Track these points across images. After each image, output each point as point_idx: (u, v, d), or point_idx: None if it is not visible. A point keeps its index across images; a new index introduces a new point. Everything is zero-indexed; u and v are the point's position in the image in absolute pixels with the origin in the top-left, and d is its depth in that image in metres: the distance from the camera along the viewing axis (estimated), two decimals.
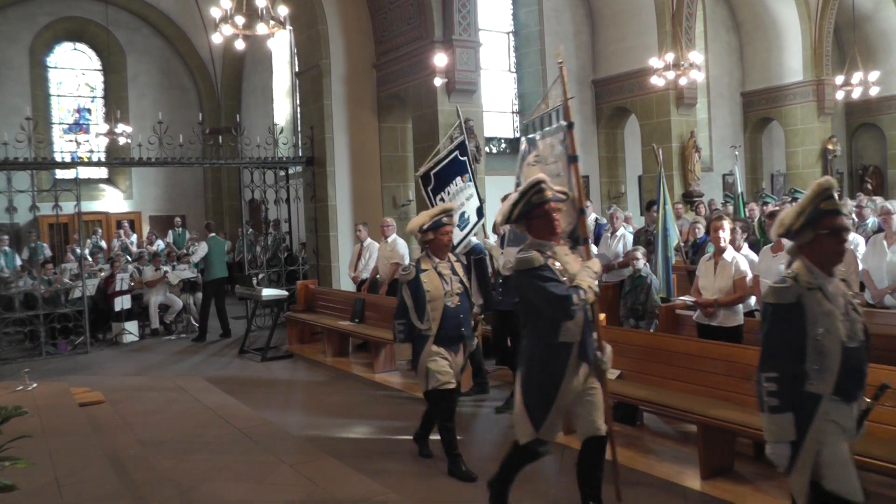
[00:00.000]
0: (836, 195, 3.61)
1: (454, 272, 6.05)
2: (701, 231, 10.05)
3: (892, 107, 23.02)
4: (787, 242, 7.22)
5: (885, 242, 7.99)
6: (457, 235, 7.93)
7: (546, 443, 4.66)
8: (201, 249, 13.72)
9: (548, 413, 4.51)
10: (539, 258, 4.42)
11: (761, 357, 3.58)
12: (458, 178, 8.24)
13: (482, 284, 8.07)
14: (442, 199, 8.11)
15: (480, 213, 8.25)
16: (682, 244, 9.77)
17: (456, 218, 7.82)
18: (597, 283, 4.64)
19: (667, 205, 9.16)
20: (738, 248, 7.41)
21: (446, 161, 8.26)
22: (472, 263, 8.00)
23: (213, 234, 13.73)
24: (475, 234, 8.35)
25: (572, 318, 4.41)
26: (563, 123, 5.10)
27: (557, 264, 4.49)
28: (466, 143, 8.38)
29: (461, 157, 8.31)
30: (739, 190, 15.20)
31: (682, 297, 8.07)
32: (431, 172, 8.19)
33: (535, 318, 4.56)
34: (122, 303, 13.24)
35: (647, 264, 8.88)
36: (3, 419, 3.42)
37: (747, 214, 13.96)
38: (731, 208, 15.54)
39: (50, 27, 21.39)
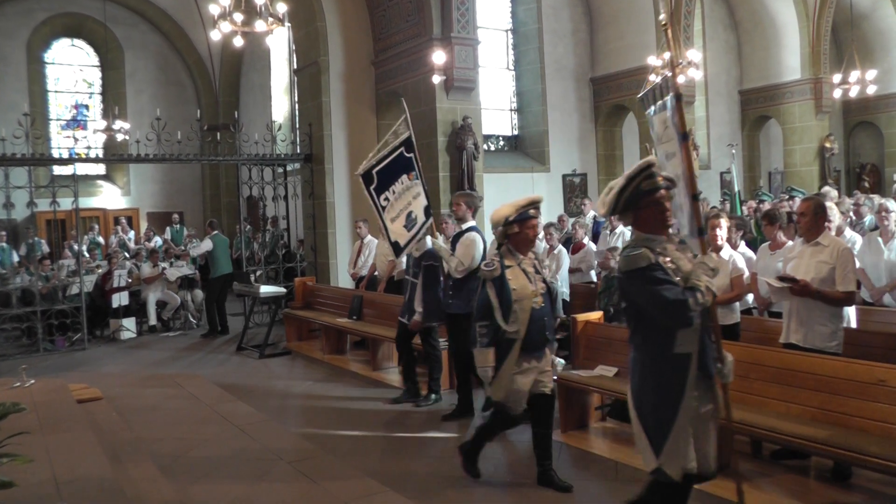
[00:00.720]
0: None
1: (537, 270, 5.55)
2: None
3: (889, 105, 23.03)
4: (783, 239, 7.25)
5: (880, 240, 8.00)
6: (404, 236, 7.75)
7: (692, 476, 3.92)
8: (204, 244, 13.70)
9: (667, 437, 3.81)
10: (649, 256, 3.82)
11: None
12: (405, 176, 7.79)
13: (427, 293, 7.88)
14: (387, 199, 7.72)
15: (428, 212, 7.81)
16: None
17: (403, 218, 7.73)
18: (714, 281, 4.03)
19: None
20: (734, 246, 7.42)
21: (391, 158, 7.77)
22: (422, 269, 7.90)
23: (216, 232, 13.71)
24: (426, 236, 7.93)
25: (690, 325, 3.78)
26: (670, 96, 4.44)
27: (669, 262, 3.87)
28: (412, 139, 7.85)
29: (407, 154, 7.83)
30: (736, 188, 15.19)
31: None
32: (374, 171, 7.71)
33: (644, 326, 3.92)
34: (120, 299, 13.24)
35: None
36: (1, 415, 3.42)
37: (746, 213, 13.96)
38: (728, 206, 15.52)
39: (47, 23, 21.35)
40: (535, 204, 5.54)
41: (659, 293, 3.75)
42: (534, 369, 5.40)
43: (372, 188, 7.68)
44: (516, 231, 5.47)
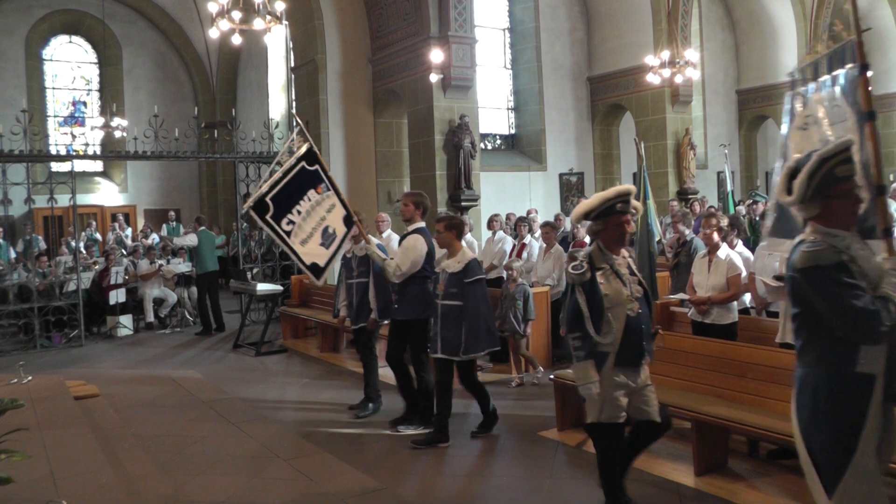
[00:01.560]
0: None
1: (632, 272, 4.86)
2: (688, 232, 9.79)
3: (886, 105, 23.09)
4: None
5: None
6: (323, 255, 7.15)
7: None
8: (189, 238, 13.67)
9: (843, 473, 3.17)
10: (835, 254, 3.20)
11: None
12: (312, 192, 7.06)
13: (380, 289, 7.53)
14: (291, 223, 6.97)
15: (349, 222, 7.24)
16: (663, 241, 9.56)
17: (318, 236, 7.12)
18: None
19: (648, 200, 8.92)
20: (732, 246, 7.44)
21: (288, 178, 7.01)
22: (372, 266, 7.52)
23: (202, 228, 13.69)
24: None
25: (877, 342, 3.15)
26: (851, 68, 3.84)
27: (854, 264, 3.23)
28: (314, 149, 7.17)
29: (310, 167, 7.09)
30: (729, 188, 15.15)
31: (675, 295, 8.08)
32: (267, 198, 6.90)
33: (820, 336, 3.28)
34: (117, 296, 13.22)
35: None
36: (0, 412, 3.43)
37: (743, 212, 13.96)
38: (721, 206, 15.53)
39: (46, 20, 21.36)
40: (623, 197, 4.79)
41: (844, 299, 3.13)
42: (629, 387, 4.71)
43: (268, 217, 6.92)
44: (601, 228, 4.80)
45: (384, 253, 7.32)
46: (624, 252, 4.88)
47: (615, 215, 4.75)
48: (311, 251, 7.09)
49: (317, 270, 7.14)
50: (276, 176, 7.06)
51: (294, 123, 7.11)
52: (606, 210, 4.75)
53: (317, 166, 7.11)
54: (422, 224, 7.17)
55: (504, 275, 8.99)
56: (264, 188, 6.96)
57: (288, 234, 6.98)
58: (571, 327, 4.72)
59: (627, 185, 4.92)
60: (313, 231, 7.09)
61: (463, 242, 7.13)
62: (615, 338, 4.64)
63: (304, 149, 7.15)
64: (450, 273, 6.60)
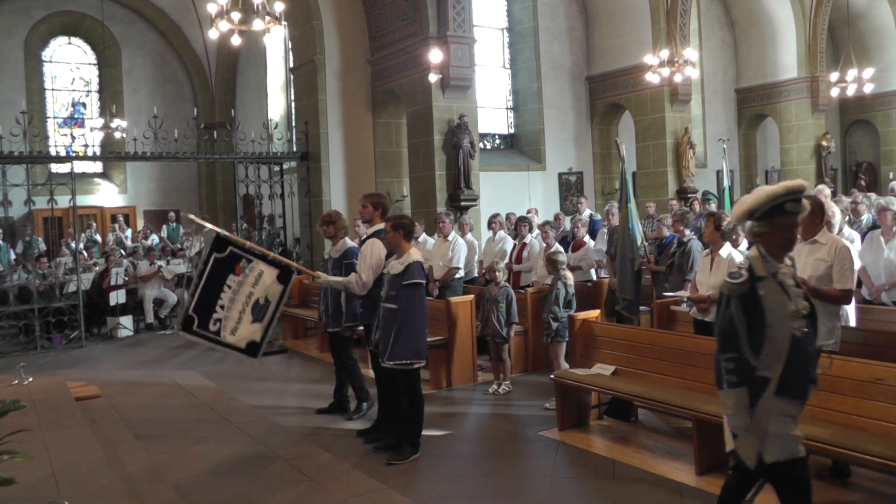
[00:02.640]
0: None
1: (797, 283, 4.00)
2: (666, 230, 9.67)
3: (885, 103, 23.09)
4: None
5: (882, 239, 8.01)
6: (258, 329, 6.69)
7: None
8: (196, 244, 13.72)
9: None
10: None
11: None
12: (230, 277, 6.60)
13: (350, 295, 7.26)
14: (217, 321, 6.56)
15: (287, 276, 6.76)
16: (645, 243, 9.28)
17: (248, 314, 6.65)
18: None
19: (630, 202, 8.43)
20: (735, 245, 7.42)
21: (204, 279, 6.58)
22: (343, 269, 7.39)
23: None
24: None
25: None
26: None
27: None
28: (221, 235, 6.70)
29: (221, 255, 6.60)
30: (726, 183, 14.97)
31: (677, 293, 8.06)
32: (190, 312, 6.54)
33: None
34: (117, 297, 13.22)
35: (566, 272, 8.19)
36: (2, 413, 3.43)
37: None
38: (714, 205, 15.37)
39: (45, 21, 21.36)
40: (794, 194, 3.94)
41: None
42: (794, 418, 3.89)
43: (195, 328, 6.54)
44: (765, 230, 3.94)
45: (342, 274, 7.23)
46: (787, 260, 4.05)
47: (784, 216, 3.93)
48: (244, 334, 6.69)
49: (254, 348, 6.75)
50: (192, 289, 6.72)
51: (196, 226, 6.54)
52: (773, 209, 3.93)
53: (229, 248, 6.66)
54: (381, 226, 6.94)
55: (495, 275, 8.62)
56: (186, 303, 6.66)
57: (217, 332, 6.61)
58: (723, 347, 3.91)
59: (800, 181, 4.08)
60: (241, 314, 6.67)
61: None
62: (778, 361, 3.85)
63: (209, 243, 6.79)
64: (393, 274, 6.35)
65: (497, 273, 8.45)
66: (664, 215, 11.00)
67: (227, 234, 6.75)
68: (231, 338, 6.62)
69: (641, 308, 8.50)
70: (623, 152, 8.77)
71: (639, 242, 8.41)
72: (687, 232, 8.93)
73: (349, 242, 7.68)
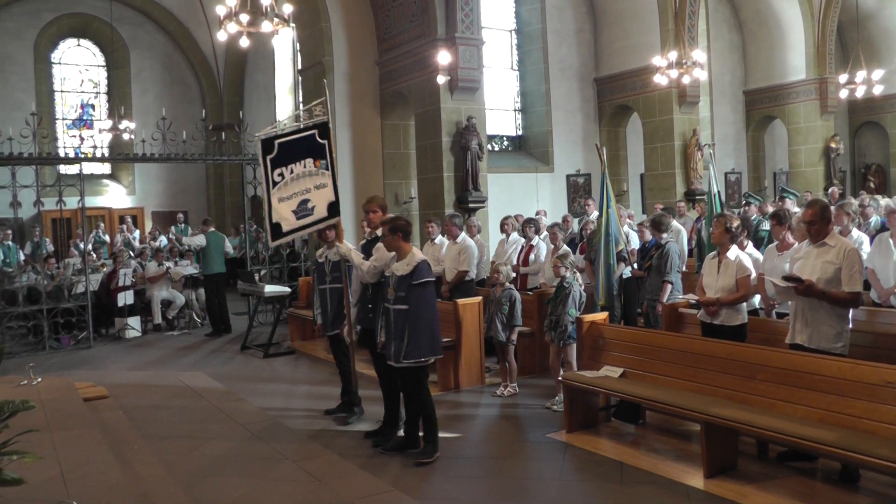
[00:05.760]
0: None
1: None
2: (648, 234, 9.55)
3: (895, 105, 23.01)
4: (791, 240, 7.23)
5: (891, 241, 7.98)
6: (290, 222, 7.01)
7: None
8: (198, 238, 13.73)
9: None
10: None
11: None
12: (310, 160, 7.00)
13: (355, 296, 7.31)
14: (281, 175, 6.93)
15: (334, 210, 7.14)
16: (627, 250, 9.16)
17: (294, 203, 7.01)
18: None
19: (610, 208, 8.42)
20: (741, 247, 7.41)
21: (299, 136, 7.03)
22: (345, 271, 7.35)
23: (212, 230, 13.73)
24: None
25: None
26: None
27: None
28: (330, 126, 7.16)
29: (320, 140, 7.04)
30: (715, 189, 14.80)
31: (686, 296, 8.05)
32: (276, 141, 6.91)
33: None
34: (125, 298, 13.26)
35: (576, 274, 8.13)
36: (11, 413, 3.43)
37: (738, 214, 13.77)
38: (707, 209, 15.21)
39: (54, 23, 21.48)
40: None
41: None
42: None
43: (269, 158, 6.91)
44: None
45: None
46: None
47: None
48: (283, 212, 7.00)
49: (277, 232, 7.02)
50: (292, 128, 7.13)
51: (322, 98, 7.07)
52: None
53: (326, 141, 7.09)
54: None
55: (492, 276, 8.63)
56: (278, 129, 7.04)
57: (275, 184, 6.95)
58: None
59: None
60: (293, 196, 7.01)
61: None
62: None
63: (320, 119, 7.19)
64: (399, 276, 6.35)
65: (499, 275, 8.40)
66: (644, 220, 10.95)
67: (332, 129, 7.19)
68: (276, 202, 6.97)
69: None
70: (604, 156, 8.73)
71: (619, 248, 8.38)
72: (664, 236, 8.88)
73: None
